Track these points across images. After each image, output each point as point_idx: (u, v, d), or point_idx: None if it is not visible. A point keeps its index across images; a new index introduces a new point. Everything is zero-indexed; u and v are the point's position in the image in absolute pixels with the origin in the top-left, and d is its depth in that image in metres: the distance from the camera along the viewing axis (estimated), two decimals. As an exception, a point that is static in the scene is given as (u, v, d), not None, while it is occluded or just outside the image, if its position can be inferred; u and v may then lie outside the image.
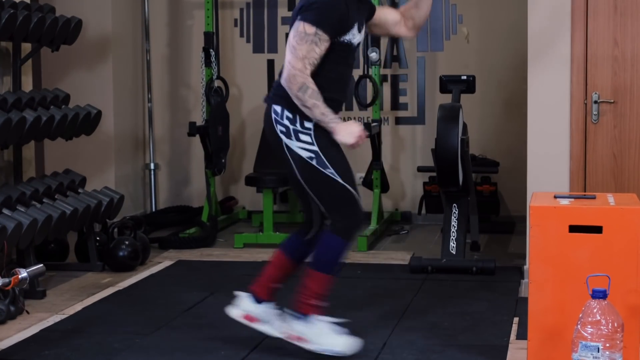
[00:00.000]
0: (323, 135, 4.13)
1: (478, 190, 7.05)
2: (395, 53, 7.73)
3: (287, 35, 4.23)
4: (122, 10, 7.64)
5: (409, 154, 7.75)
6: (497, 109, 7.56)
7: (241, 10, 7.93)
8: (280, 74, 4.20)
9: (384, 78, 7.68)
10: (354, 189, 4.16)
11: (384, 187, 7.35)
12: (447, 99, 6.40)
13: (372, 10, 4.40)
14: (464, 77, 6.35)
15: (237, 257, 6.47)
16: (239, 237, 6.84)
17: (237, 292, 4.42)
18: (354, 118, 7.74)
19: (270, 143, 4.27)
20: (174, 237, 6.83)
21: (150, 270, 6.07)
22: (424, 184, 7.36)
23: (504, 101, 7.51)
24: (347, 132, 4.09)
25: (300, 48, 4.03)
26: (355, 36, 4.19)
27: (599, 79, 5.47)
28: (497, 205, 7.25)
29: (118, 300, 5.38)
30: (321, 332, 4.20)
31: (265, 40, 7.90)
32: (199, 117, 7.53)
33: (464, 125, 6.12)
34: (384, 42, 7.63)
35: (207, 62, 7.33)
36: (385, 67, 7.69)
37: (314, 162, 4.11)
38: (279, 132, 4.16)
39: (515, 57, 7.07)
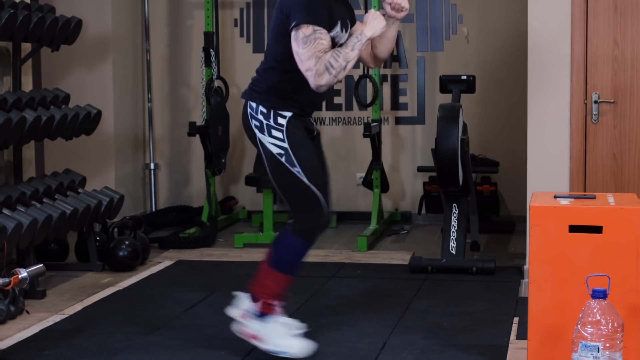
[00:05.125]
0: (295, 133, 4.18)
1: (478, 190, 7.04)
2: (395, 53, 7.71)
3: None
4: (122, 10, 7.64)
5: (409, 154, 7.75)
6: (497, 109, 7.56)
7: (241, 10, 7.93)
8: (258, 70, 4.30)
9: (384, 78, 7.68)
10: (320, 190, 4.15)
11: (384, 187, 7.35)
12: (447, 99, 6.40)
13: (353, 18, 4.36)
14: (464, 77, 6.34)
15: (237, 257, 6.46)
16: (239, 237, 6.84)
17: (236, 293, 4.42)
18: (354, 118, 7.75)
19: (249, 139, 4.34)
20: (174, 237, 6.83)
21: (150, 270, 6.07)
22: (424, 184, 7.36)
23: (504, 101, 7.51)
24: (376, 24, 4.12)
25: (308, 49, 4.02)
26: (338, 34, 4.16)
27: (599, 79, 5.46)
28: (497, 205, 7.24)
29: (118, 300, 5.38)
30: (277, 333, 4.20)
31: (265, 40, 7.89)
32: (199, 117, 7.53)
33: (464, 125, 6.12)
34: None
35: (207, 62, 7.33)
36: (385, 67, 7.68)
37: (282, 159, 4.15)
38: (253, 126, 4.25)
39: (515, 57, 7.07)
